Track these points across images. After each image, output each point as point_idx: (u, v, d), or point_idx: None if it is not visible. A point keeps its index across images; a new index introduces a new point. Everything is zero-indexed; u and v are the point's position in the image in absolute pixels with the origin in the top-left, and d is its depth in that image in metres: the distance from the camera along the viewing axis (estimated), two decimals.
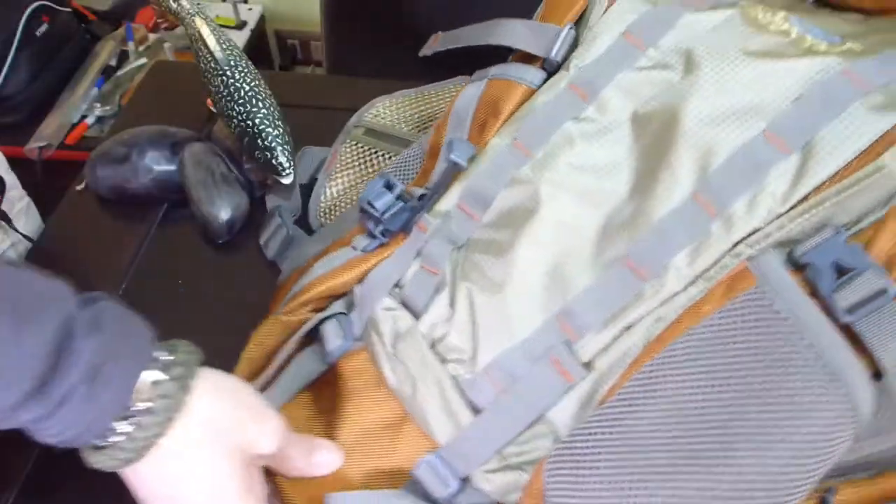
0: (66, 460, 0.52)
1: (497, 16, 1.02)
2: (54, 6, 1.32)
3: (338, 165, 0.65)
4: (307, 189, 0.66)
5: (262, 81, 0.63)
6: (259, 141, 0.61)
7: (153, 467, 0.36)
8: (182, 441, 0.36)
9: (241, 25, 1.62)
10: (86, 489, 0.50)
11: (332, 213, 0.63)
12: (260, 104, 0.61)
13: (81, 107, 1.32)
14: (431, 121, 0.64)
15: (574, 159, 0.42)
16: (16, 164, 0.77)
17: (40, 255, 0.66)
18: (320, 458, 0.43)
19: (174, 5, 0.65)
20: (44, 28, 1.31)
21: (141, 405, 0.35)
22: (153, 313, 0.61)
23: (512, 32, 0.46)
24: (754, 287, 0.34)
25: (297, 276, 0.53)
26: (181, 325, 0.58)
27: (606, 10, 0.44)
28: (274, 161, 0.61)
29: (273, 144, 0.61)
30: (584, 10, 0.46)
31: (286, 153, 0.61)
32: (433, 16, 1.03)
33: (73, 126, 1.31)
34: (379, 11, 1.05)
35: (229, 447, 0.38)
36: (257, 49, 1.68)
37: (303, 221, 0.65)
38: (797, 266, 0.35)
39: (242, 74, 0.62)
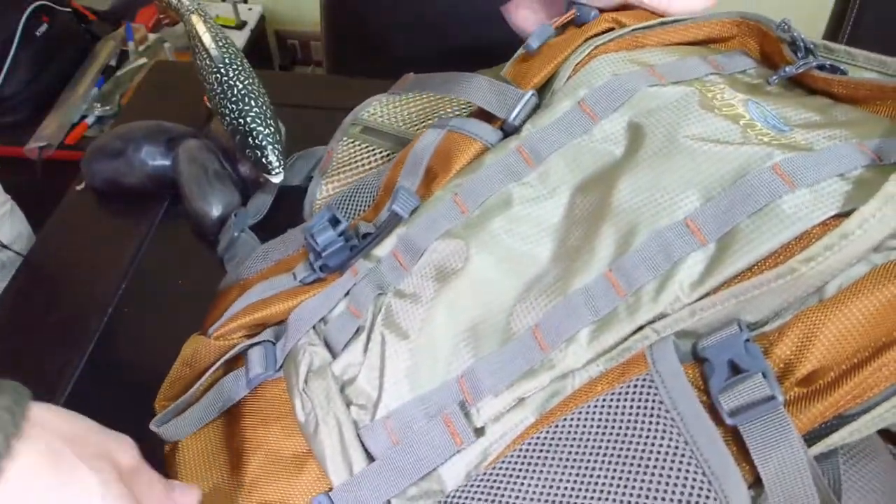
0: None
1: (496, 13, 1.02)
2: (54, 6, 1.32)
3: (334, 164, 0.65)
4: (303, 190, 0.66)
5: (256, 80, 0.63)
6: (250, 139, 0.61)
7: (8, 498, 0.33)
8: (33, 462, 0.33)
9: (241, 25, 1.63)
10: None
11: None
12: (252, 102, 0.61)
13: (81, 107, 1.32)
14: (428, 119, 0.64)
15: (507, 223, 0.42)
16: (16, 164, 0.77)
17: (40, 255, 0.66)
18: (180, 497, 0.41)
19: (174, 1, 0.65)
20: (44, 28, 1.31)
21: None
22: (153, 313, 0.61)
23: (477, 90, 0.46)
24: (645, 373, 0.34)
25: (238, 291, 0.54)
26: (181, 324, 0.59)
27: (570, 77, 0.44)
28: (264, 160, 0.61)
29: (264, 143, 0.61)
30: (553, 76, 0.46)
31: (276, 152, 0.61)
32: (433, 16, 1.03)
33: (73, 126, 1.30)
34: (379, 11, 1.05)
35: (91, 454, 0.35)
36: (257, 49, 1.68)
37: (264, 225, 0.66)
38: (698, 359, 0.34)
39: (237, 72, 0.62)
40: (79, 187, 0.71)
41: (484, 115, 0.47)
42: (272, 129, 0.62)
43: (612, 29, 0.46)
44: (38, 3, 1.28)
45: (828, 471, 0.33)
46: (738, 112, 0.40)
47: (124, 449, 0.38)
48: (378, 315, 0.44)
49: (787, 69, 0.42)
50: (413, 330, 0.42)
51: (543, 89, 0.46)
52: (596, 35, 0.46)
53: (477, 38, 1.03)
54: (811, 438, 0.32)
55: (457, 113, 0.61)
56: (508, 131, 0.45)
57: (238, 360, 0.50)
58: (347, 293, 0.46)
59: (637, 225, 0.37)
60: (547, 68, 0.45)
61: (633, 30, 0.45)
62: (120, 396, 0.56)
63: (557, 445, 0.35)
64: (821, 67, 0.42)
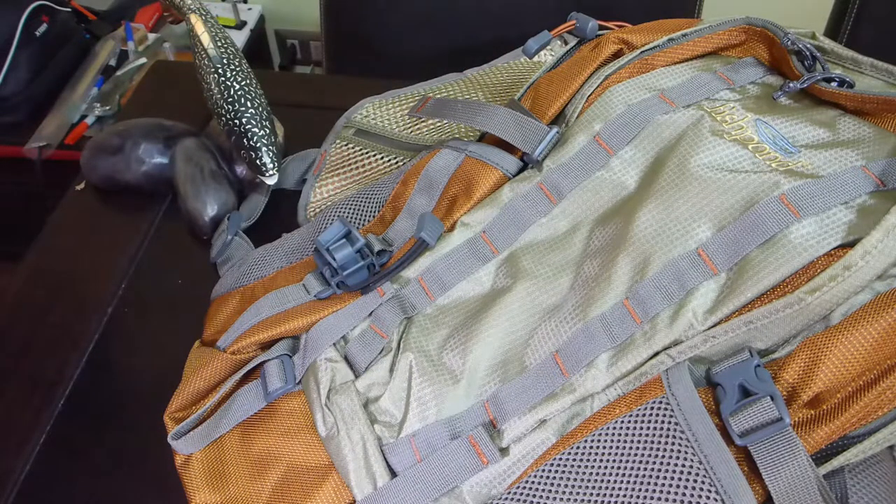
0: (66, 461, 0.53)
1: (495, 13, 1.02)
2: (54, 6, 1.32)
3: (327, 166, 0.65)
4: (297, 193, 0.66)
5: (253, 81, 0.63)
6: (245, 140, 0.61)
7: None
8: None
9: (240, 25, 1.62)
10: (85, 490, 0.51)
11: None
12: (248, 104, 0.61)
13: (81, 107, 1.32)
14: (420, 121, 0.64)
15: (534, 259, 0.43)
16: (16, 164, 0.77)
17: (41, 254, 0.66)
18: None
19: (177, 0, 0.65)
20: (43, 28, 1.31)
21: None
22: (153, 312, 0.61)
23: (501, 123, 0.47)
24: (661, 396, 0.35)
25: (239, 298, 0.53)
26: (181, 324, 0.59)
27: (584, 108, 0.45)
28: (258, 161, 0.61)
29: (258, 144, 0.61)
30: (566, 105, 0.46)
31: (270, 154, 0.61)
32: (432, 16, 1.03)
33: (73, 126, 1.31)
34: (379, 11, 1.05)
35: None
36: (257, 49, 1.67)
37: (256, 227, 0.66)
38: (711, 384, 0.35)
39: (234, 73, 0.62)
40: (79, 187, 0.71)
41: (501, 142, 0.47)
42: (267, 131, 0.62)
43: (620, 51, 0.47)
44: (37, 3, 1.29)
45: (835, 485, 0.34)
46: (747, 135, 0.40)
47: None
48: (404, 338, 0.45)
49: (790, 85, 0.42)
50: (442, 357, 0.43)
51: (557, 118, 0.47)
52: (606, 60, 0.46)
53: (476, 38, 1.03)
54: (818, 459, 0.33)
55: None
56: (527, 162, 0.46)
57: (250, 372, 0.50)
58: (370, 314, 0.47)
59: (652, 254, 0.38)
60: (562, 98, 0.46)
61: (642, 52, 0.46)
62: (120, 396, 0.56)
63: (578, 465, 0.36)
64: (827, 80, 0.42)
